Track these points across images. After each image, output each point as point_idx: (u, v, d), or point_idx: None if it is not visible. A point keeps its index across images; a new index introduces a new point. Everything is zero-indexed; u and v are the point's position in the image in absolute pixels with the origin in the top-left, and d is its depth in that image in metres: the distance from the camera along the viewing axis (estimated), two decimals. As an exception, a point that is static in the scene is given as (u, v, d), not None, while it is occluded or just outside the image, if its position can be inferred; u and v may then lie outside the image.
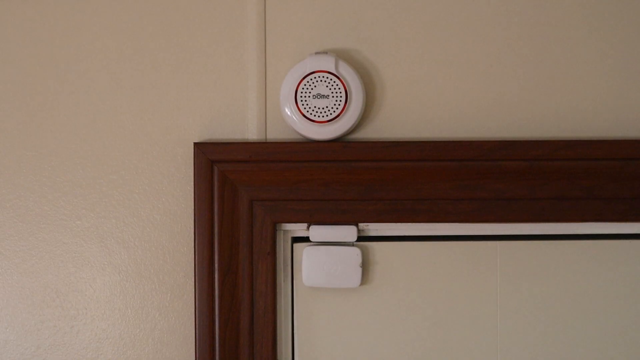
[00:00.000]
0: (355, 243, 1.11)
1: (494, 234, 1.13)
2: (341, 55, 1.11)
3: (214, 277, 1.09)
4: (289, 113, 1.08)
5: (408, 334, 1.13)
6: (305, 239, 1.13)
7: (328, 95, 1.07)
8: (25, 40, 1.14)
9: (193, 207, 1.11)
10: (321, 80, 1.07)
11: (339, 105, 1.07)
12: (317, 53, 1.08)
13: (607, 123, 1.12)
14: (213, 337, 1.09)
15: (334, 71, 1.06)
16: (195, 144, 1.09)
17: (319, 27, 1.12)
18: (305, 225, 1.11)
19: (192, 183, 1.11)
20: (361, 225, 1.11)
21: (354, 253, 1.10)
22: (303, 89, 1.07)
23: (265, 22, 1.13)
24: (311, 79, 1.07)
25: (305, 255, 1.10)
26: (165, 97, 1.13)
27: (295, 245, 1.13)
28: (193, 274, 1.12)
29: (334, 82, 1.07)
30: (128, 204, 1.14)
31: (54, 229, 1.14)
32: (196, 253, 1.09)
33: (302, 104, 1.07)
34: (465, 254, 1.13)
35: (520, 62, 1.12)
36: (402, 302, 1.13)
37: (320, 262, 1.10)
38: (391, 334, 1.13)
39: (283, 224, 1.11)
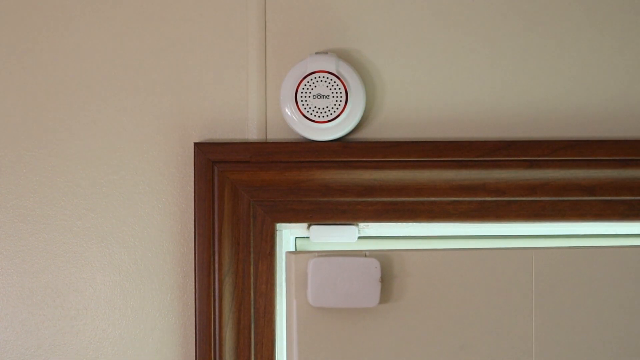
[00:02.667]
0: (369, 254, 0.99)
1: (496, 234, 1.13)
2: (341, 55, 1.11)
3: (214, 277, 1.09)
4: (289, 113, 1.08)
5: (430, 357, 1.00)
6: (303, 243, 1.13)
7: (328, 95, 1.07)
8: (25, 40, 1.14)
9: (193, 207, 1.11)
10: (321, 80, 1.07)
11: (339, 105, 1.07)
12: (317, 53, 1.08)
13: (607, 123, 1.12)
14: (213, 337, 1.09)
15: (334, 71, 1.06)
16: (195, 144, 1.09)
17: (319, 27, 1.12)
18: (305, 225, 1.11)
19: (192, 183, 1.10)
20: (361, 225, 1.11)
21: (372, 265, 0.97)
22: (303, 89, 1.07)
23: (265, 22, 1.13)
24: (311, 79, 1.07)
25: (312, 269, 0.97)
26: (166, 97, 1.13)
27: (288, 255, 1.03)
28: (193, 274, 1.12)
29: (334, 82, 1.07)
30: (128, 204, 1.14)
31: (54, 229, 1.14)
32: (196, 253, 1.09)
33: (303, 104, 1.07)
34: (497, 265, 1.00)
35: (520, 62, 1.12)
36: (423, 323, 0.99)
37: (330, 278, 0.96)
38: (411, 357, 1.00)
39: (283, 224, 1.11)
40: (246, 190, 1.09)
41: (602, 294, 1.01)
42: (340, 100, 1.07)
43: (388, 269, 1.00)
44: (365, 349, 0.99)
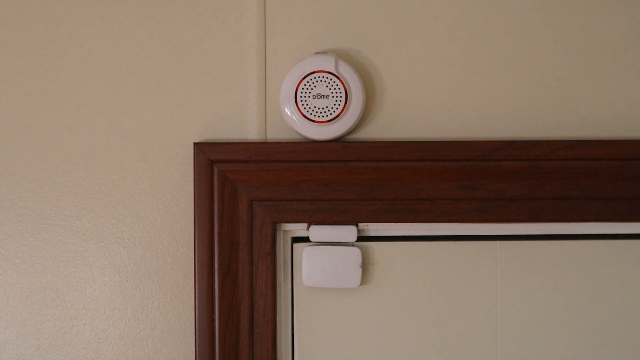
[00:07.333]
0: (355, 243, 1.11)
1: (495, 234, 1.13)
2: (341, 55, 1.11)
3: (214, 277, 1.09)
4: (289, 113, 1.08)
5: (408, 334, 1.13)
6: (306, 239, 1.13)
7: (328, 95, 1.07)
8: (25, 41, 1.14)
9: (193, 207, 1.11)
10: (321, 80, 1.07)
11: (339, 105, 1.07)
12: (317, 53, 1.08)
13: (607, 123, 1.12)
14: (213, 337, 1.09)
15: (334, 71, 1.06)
16: (195, 144, 1.09)
17: (319, 27, 1.12)
18: (305, 225, 1.11)
19: (192, 183, 1.11)
20: (361, 225, 1.11)
21: (354, 253, 1.10)
22: (303, 89, 1.07)
23: (265, 22, 1.13)
24: (311, 79, 1.07)
25: (305, 255, 1.10)
26: (165, 97, 1.13)
27: (295, 245, 1.13)
28: (193, 274, 1.12)
29: (334, 82, 1.07)
30: (128, 204, 1.14)
31: (54, 229, 1.14)
32: (196, 253, 1.09)
33: (302, 104, 1.07)
34: (466, 253, 1.12)
35: (520, 62, 1.12)
36: (402, 302, 1.13)
37: (320, 262, 1.10)
38: (391, 333, 1.13)
39: (283, 224, 1.11)
40: (246, 190, 1.09)
41: (558, 279, 1.14)
42: (340, 100, 1.07)
43: (369, 256, 1.13)
44: (349, 323, 1.13)
